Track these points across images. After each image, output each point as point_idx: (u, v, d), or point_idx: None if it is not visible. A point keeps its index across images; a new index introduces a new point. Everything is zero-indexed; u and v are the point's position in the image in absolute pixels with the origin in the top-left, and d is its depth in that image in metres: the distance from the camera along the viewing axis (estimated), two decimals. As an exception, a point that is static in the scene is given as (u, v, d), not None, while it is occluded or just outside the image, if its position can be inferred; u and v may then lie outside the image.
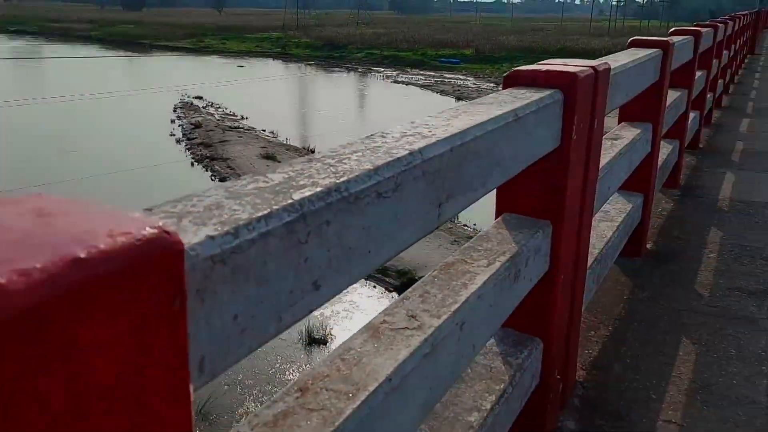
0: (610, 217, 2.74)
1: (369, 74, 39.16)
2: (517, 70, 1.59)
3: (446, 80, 35.93)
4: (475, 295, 1.21)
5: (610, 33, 49.28)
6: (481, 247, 1.44)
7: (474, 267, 1.33)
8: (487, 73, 38.35)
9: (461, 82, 35.48)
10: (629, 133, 2.79)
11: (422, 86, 34.11)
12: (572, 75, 1.53)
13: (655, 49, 2.82)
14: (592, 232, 2.57)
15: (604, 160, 2.30)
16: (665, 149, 3.90)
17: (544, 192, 1.62)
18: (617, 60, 2.27)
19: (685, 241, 3.36)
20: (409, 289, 1.21)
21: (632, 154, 2.66)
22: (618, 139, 2.65)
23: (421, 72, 39.34)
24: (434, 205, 0.98)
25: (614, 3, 70.31)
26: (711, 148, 5.64)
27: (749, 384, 2.04)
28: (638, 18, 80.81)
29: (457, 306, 1.15)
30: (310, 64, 44.24)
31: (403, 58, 43.51)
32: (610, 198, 2.96)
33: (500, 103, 1.34)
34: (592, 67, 1.67)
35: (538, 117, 1.41)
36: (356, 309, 11.13)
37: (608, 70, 1.80)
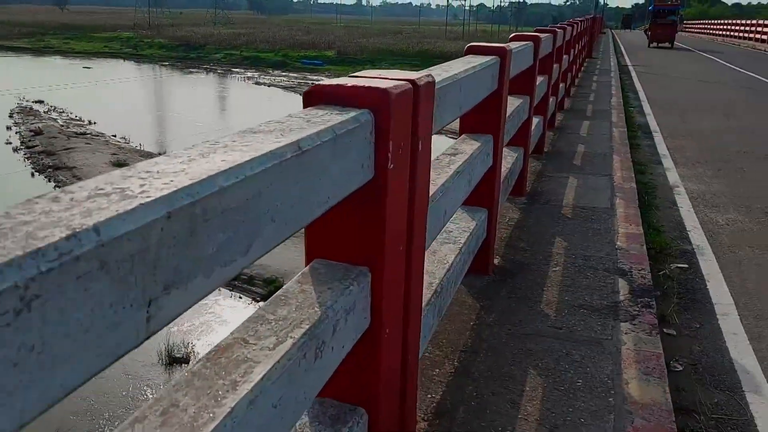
0: (453, 239, 2.54)
1: (229, 75, 37.91)
2: (320, 85, 1.29)
3: (310, 82, 35.56)
4: (246, 401, 0.88)
5: (465, 37, 51.48)
6: (273, 316, 1.12)
7: (256, 351, 1.00)
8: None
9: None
10: (469, 146, 2.61)
11: (285, 88, 33.52)
12: (382, 92, 1.25)
13: (491, 57, 2.67)
14: (432, 257, 2.36)
15: (440, 181, 2.08)
16: (510, 158, 3.83)
17: (359, 233, 1.33)
18: (448, 69, 2.05)
19: (532, 254, 3.27)
20: (151, 401, 0.86)
21: (472, 169, 2.48)
22: (457, 155, 2.45)
23: (284, 73, 38.74)
24: (136, 308, 0.63)
25: (467, 8, 73.59)
26: (555, 151, 5.77)
27: (597, 420, 1.89)
28: (490, 23, 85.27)
29: (213, 426, 0.81)
30: (164, 65, 41.95)
31: (264, 59, 42.52)
32: (453, 216, 2.78)
33: (284, 130, 1.02)
34: (411, 81, 1.41)
35: (338, 146, 1.11)
36: (219, 322, 10.52)
37: (432, 83, 1.55)
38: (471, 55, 2.69)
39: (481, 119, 2.83)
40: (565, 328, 2.48)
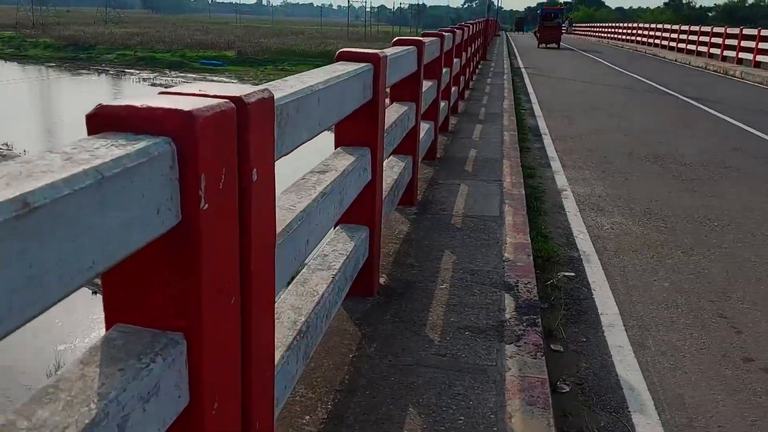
0: (327, 264, 2.31)
1: (122, 77, 36.03)
2: (106, 107, 1.01)
3: (210, 83, 34.43)
4: None
5: (367, 38, 51.62)
6: (26, 423, 0.84)
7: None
8: (252, 76, 37.98)
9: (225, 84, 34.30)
10: (342, 161, 2.39)
11: (182, 89, 32.14)
12: (185, 116, 1.00)
13: (363, 64, 2.46)
14: (301, 288, 2.12)
15: (300, 206, 1.84)
16: (397, 168, 3.66)
17: (168, 291, 1.07)
18: (305, 80, 1.81)
19: (419, 270, 3.11)
20: None
21: (344, 188, 2.26)
22: (327, 173, 2.22)
23: (182, 74, 37.26)
24: None
25: (368, 10, 73.92)
26: (448, 157, 5.70)
27: (477, 467, 1.73)
28: (390, 24, 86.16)
29: None
30: (51, 67, 39.19)
31: (160, 60, 40.63)
32: (331, 238, 2.56)
33: (17, 176, 0.74)
34: (234, 99, 1.16)
35: (110, 191, 0.84)
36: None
37: (267, 100, 1.31)
38: (342, 62, 2.48)
39: (356, 131, 2.62)
40: (450, 355, 2.32)
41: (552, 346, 2.74)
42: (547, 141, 7.47)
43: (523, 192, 4.58)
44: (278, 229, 1.63)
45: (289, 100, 1.55)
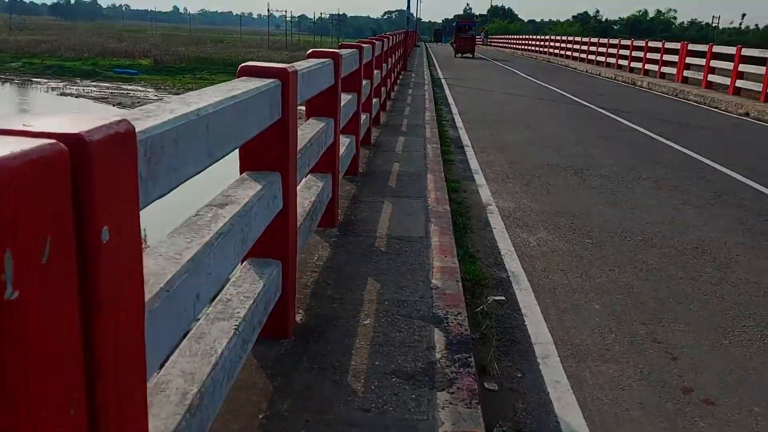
0: (230, 311, 1.99)
1: (29, 86, 33.98)
2: None
3: (124, 92, 33.10)
4: None
5: (288, 47, 51.00)
6: None
7: None
8: (169, 85, 36.78)
9: (141, 93, 33.08)
10: (247, 191, 2.08)
11: (96, 98, 30.70)
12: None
13: (270, 80, 2.17)
14: (196, 346, 1.79)
15: (187, 255, 1.52)
16: (315, 188, 3.38)
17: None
18: (191, 102, 1.50)
19: (341, 303, 2.83)
20: None
21: (248, 223, 1.95)
22: (227, 206, 1.91)
23: (94, 83, 35.54)
24: None
25: (288, 19, 72.89)
26: (370, 171, 5.46)
27: None
28: (311, 33, 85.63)
29: None
30: (-50, 75, 36.44)
31: (70, 68, 38.63)
32: (236, 277, 2.24)
33: None
34: (68, 138, 0.85)
35: None
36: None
37: (126, 134, 1.00)
38: (244, 78, 2.17)
39: (264, 154, 2.32)
40: (375, 409, 2.05)
41: (486, 385, 2.53)
42: (470, 153, 7.37)
43: (449, 208, 4.39)
44: (154, 289, 1.31)
45: (163, 130, 1.24)
